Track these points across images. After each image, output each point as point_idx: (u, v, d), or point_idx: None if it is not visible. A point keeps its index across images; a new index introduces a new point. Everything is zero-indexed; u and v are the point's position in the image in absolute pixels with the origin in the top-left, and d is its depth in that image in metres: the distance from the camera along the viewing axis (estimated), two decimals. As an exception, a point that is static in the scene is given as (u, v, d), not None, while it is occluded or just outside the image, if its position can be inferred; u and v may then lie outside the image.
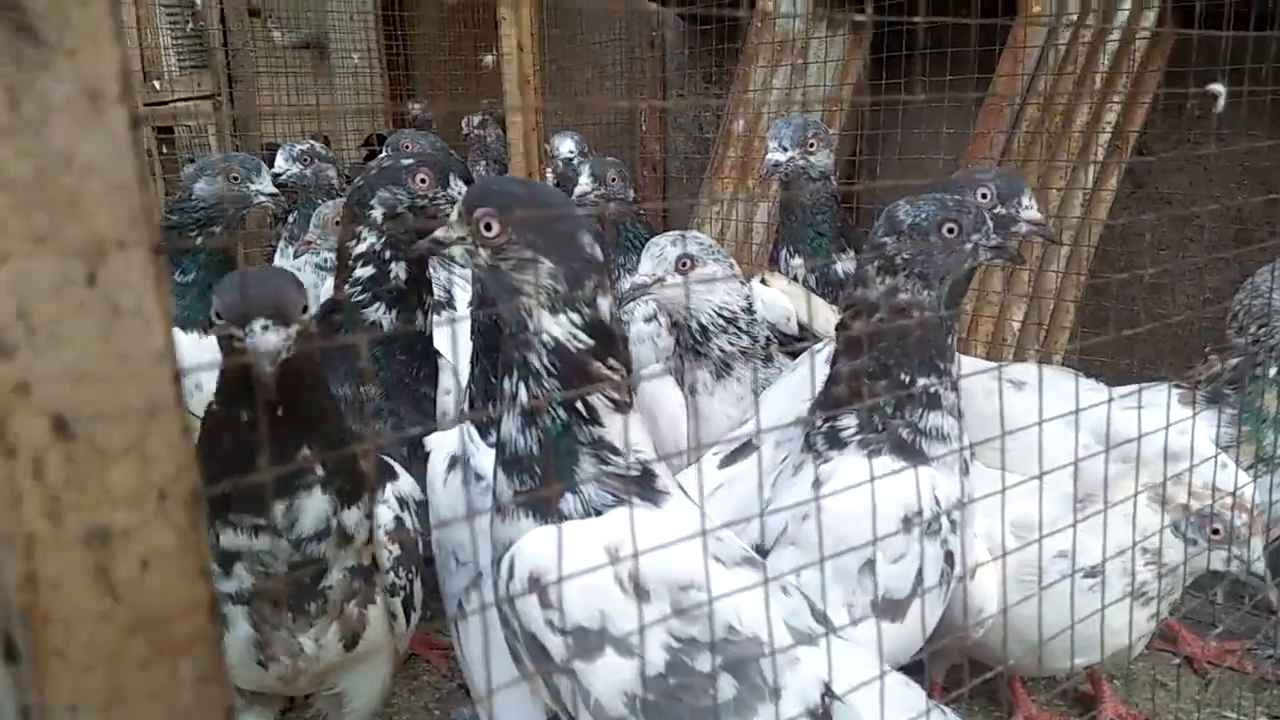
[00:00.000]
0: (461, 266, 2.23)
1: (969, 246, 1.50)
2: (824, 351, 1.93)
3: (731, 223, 3.14)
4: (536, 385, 1.18)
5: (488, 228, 1.16)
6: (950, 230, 1.49)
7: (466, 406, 1.82)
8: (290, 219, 2.96)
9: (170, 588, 0.54)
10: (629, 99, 4.01)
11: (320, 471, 1.35)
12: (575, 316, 1.17)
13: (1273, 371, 1.75)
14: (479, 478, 1.61)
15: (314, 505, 1.35)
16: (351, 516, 1.40)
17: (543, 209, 1.22)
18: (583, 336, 1.17)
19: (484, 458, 1.62)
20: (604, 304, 1.19)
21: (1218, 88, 1.67)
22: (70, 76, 0.51)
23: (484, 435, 1.66)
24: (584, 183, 2.40)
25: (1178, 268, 2.71)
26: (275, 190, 2.35)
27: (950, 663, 1.86)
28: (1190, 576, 1.59)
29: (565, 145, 2.98)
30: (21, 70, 0.50)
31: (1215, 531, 1.55)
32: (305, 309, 1.28)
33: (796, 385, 1.93)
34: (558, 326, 1.17)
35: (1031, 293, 2.56)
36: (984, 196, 1.68)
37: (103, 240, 0.52)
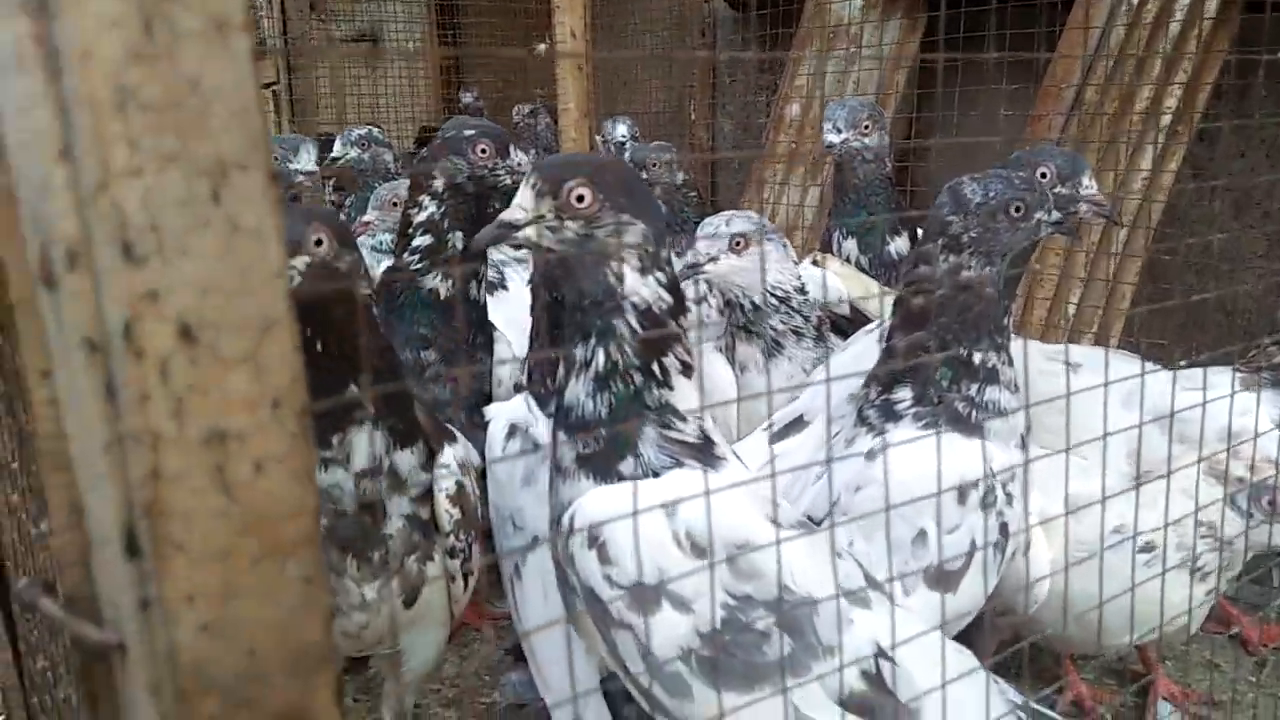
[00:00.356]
0: (522, 249, 2.27)
1: (1032, 223, 1.51)
2: (876, 331, 1.94)
3: (782, 206, 3.15)
4: (618, 350, 1.21)
5: (580, 199, 1.18)
6: (1017, 209, 1.50)
7: (525, 379, 1.86)
8: (347, 203, 3.03)
9: (281, 490, 0.57)
10: (679, 87, 4.03)
11: (370, 409, 1.39)
12: (660, 275, 1.21)
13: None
14: (537, 446, 1.65)
15: (365, 440, 1.39)
16: (404, 460, 1.45)
17: (624, 174, 1.25)
18: (665, 295, 1.22)
19: (543, 426, 1.66)
20: (675, 262, 1.23)
21: None
22: (199, 6, 0.54)
23: (543, 406, 1.70)
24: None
25: (1238, 250, 2.66)
26: (314, 169, 2.42)
27: (1001, 639, 1.86)
28: (1250, 551, 1.57)
29: (619, 129, 3.01)
30: (155, -1, 0.53)
31: (1272, 504, 1.53)
32: (321, 242, 1.31)
33: (848, 363, 1.94)
34: (646, 287, 1.21)
35: (1088, 276, 2.54)
36: (1044, 176, 1.67)
37: (225, 161, 0.55)
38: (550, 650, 1.53)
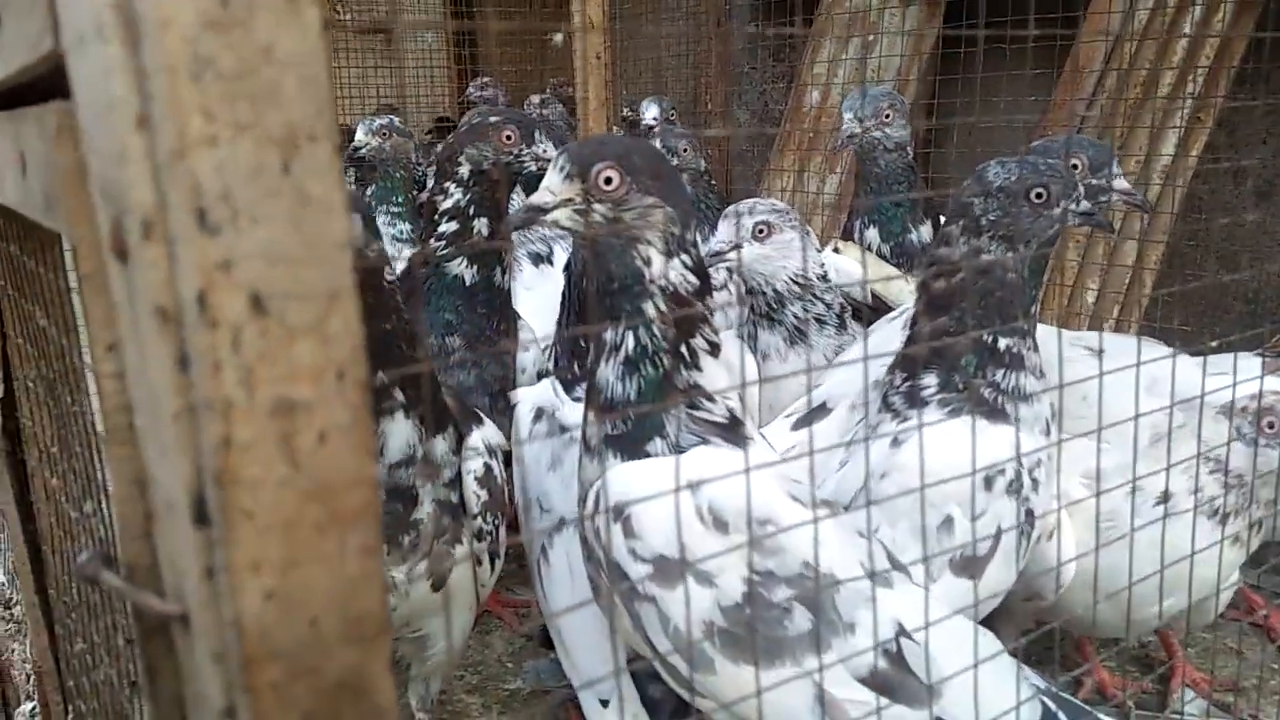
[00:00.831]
0: (552, 231, 2.28)
1: (1056, 212, 1.50)
2: (899, 319, 1.94)
3: (800, 194, 3.15)
4: (647, 333, 1.22)
5: (608, 181, 1.19)
6: (1039, 195, 1.49)
7: (551, 364, 1.87)
8: (369, 192, 3.03)
9: (343, 460, 0.58)
10: (695, 77, 4.03)
11: (400, 397, 1.40)
12: (686, 258, 1.22)
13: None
14: (563, 429, 1.66)
15: (398, 430, 1.41)
16: (438, 446, 1.46)
17: (652, 157, 1.26)
18: (691, 277, 1.23)
19: (568, 410, 1.67)
20: (701, 244, 1.24)
21: None
22: (271, -24, 0.54)
23: (569, 390, 1.71)
24: (656, 153, 2.43)
25: (1260, 237, 2.65)
26: None
27: (1021, 627, 1.86)
28: (1265, 484, 1.55)
29: (651, 111, 2.95)
30: (230, -33, 0.53)
31: (1270, 425, 1.52)
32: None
33: (871, 351, 1.94)
34: (672, 270, 1.22)
35: (1108, 263, 2.54)
36: (1076, 167, 1.67)
37: (296, 130, 0.55)
38: (578, 634, 1.54)
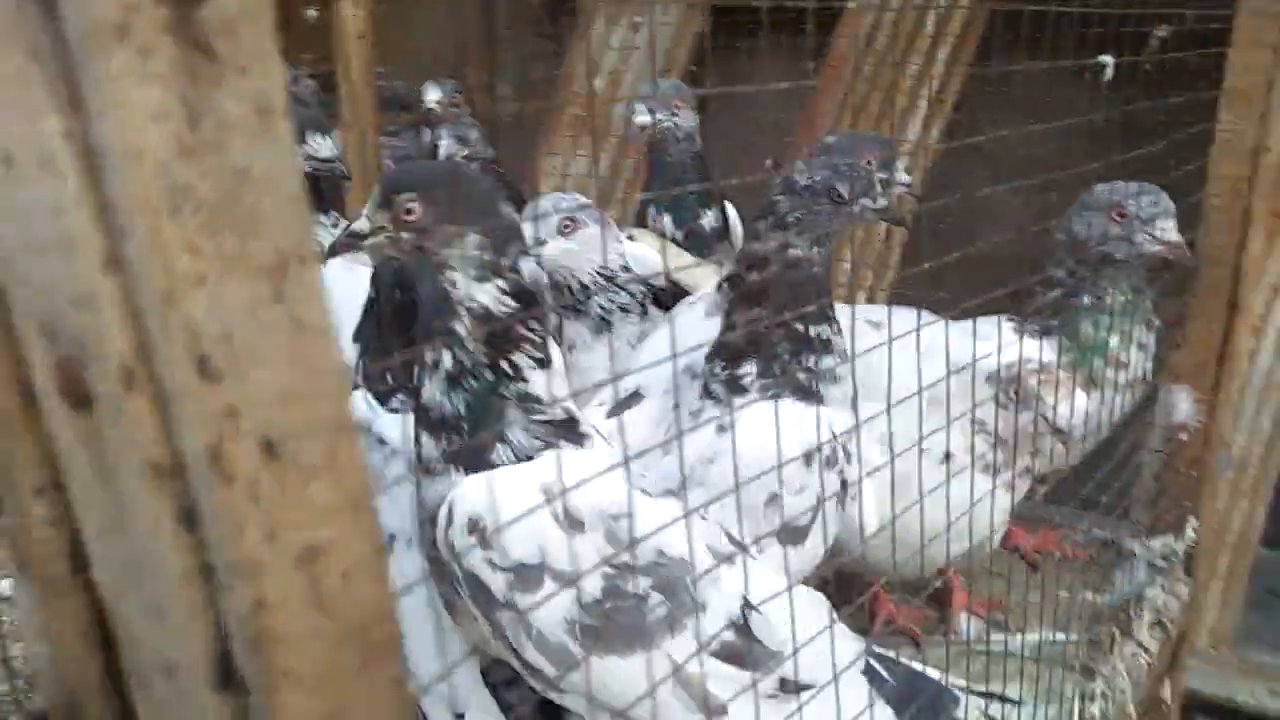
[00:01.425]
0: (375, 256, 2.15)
1: (855, 209, 1.64)
2: (699, 305, 2.03)
3: (570, 178, 3.17)
4: (463, 351, 1.22)
5: (409, 212, 1.19)
6: (837, 196, 1.62)
7: (359, 377, 1.78)
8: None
9: (368, 595, 0.55)
10: (454, 56, 3.89)
11: None
12: (501, 282, 1.22)
13: (1085, 300, 1.98)
14: (382, 443, 1.60)
15: None
16: None
17: (460, 183, 1.25)
18: (509, 301, 1.22)
19: (385, 422, 1.62)
20: (525, 267, 1.24)
21: (1106, 59, 1.86)
22: (242, 93, 0.49)
23: (383, 402, 1.65)
24: (447, 145, 2.36)
25: (992, 207, 3.00)
26: None
27: (821, 574, 2.03)
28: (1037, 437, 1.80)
29: (433, 94, 2.76)
30: (198, 88, 0.48)
31: (1016, 392, 1.79)
32: None
33: (679, 336, 2.02)
34: (484, 294, 1.22)
35: (863, 238, 2.80)
36: (869, 164, 1.82)
37: (284, 256, 0.51)
38: (419, 642, 1.51)
